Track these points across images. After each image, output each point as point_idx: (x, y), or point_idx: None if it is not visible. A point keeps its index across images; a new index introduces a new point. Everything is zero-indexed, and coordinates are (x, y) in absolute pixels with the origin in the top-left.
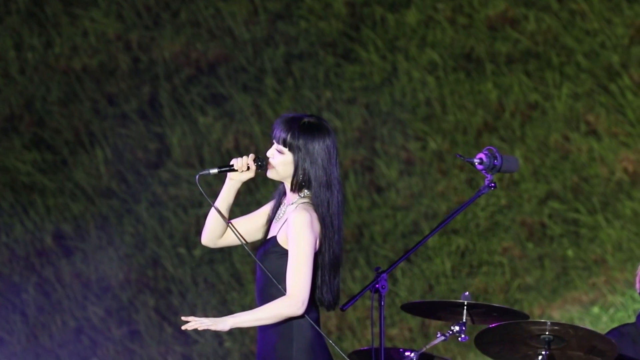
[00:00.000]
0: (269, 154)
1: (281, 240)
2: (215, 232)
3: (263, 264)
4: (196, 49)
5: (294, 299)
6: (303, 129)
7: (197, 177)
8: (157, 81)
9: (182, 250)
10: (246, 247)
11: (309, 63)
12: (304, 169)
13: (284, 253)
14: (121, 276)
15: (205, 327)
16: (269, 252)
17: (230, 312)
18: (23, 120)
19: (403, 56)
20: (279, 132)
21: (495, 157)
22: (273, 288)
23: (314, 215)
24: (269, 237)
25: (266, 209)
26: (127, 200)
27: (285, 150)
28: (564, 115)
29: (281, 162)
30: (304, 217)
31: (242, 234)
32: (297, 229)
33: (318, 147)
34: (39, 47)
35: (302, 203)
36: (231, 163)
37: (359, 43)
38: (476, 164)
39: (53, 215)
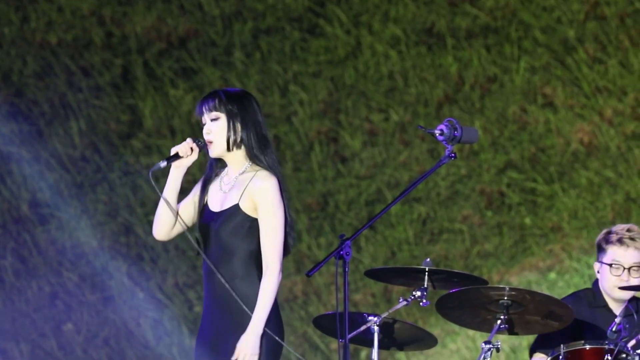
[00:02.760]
0: (204, 132)
1: (245, 207)
2: (168, 224)
3: (219, 234)
4: (167, 24)
5: (275, 271)
6: (227, 93)
7: (150, 173)
8: (129, 55)
9: (153, 217)
10: (189, 235)
11: (276, 37)
12: (240, 126)
13: (249, 220)
14: (95, 243)
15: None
16: (228, 220)
17: (200, 277)
18: (0, 93)
19: (367, 31)
20: (207, 103)
21: (456, 129)
22: (235, 262)
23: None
24: (222, 208)
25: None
26: (100, 170)
27: (219, 114)
28: (522, 88)
29: (219, 130)
30: (275, 185)
31: (189, 219)
32: (271, 198)
33: (247, 104)
34: (16, 22)
35: (260, 170)
36: (174, 152)
37: (324, 18)
38: (437, 135)
39: (29, 183)
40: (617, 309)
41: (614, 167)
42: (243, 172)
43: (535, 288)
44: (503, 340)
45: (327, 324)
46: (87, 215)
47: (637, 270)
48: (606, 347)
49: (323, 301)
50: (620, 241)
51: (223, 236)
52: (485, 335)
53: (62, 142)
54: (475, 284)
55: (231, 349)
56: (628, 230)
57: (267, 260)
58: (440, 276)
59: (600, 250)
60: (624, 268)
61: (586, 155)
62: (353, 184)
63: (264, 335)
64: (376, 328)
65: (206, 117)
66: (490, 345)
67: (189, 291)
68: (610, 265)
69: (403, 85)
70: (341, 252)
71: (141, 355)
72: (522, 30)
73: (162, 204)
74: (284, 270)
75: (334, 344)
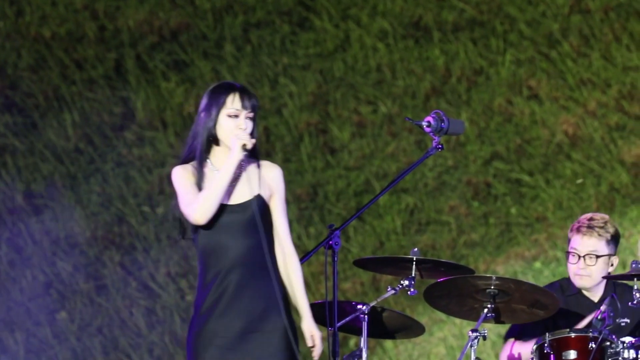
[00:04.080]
0: (242, 126)
1: (265, 197)
2: (215, 208)
3: (248, 224)
4: (159, 17)
5: (295, 252)
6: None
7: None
8: (122, 48)
9: (146, 208)
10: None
11: (266, 31)
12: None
13: (268, 208)
14: (88, 233)
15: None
16: (261, 211)
17: (192, 267)
18: None
19: (355, 24)
20: (250, 101)
21: (443, 120)
22: (264, 250)
23: None
24: (240, 200)
25: (193, 179)
26: (94, 161)
27: (254, 115)
28: (507, 81)
29: (251, 129)
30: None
31: None
32: (283, 184)
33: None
34: (10, 15)
35: (263, 160)
36: (247, 145)
37: (313, 12)
38: (424, 126)
39: (24, 175)
40: (592, 295)
41: (598, 159)
42: (252, 164)
43: (521, 277)
44: (489, 328)
45: (316, 313)
46: (80, 205)
47: (592, 258)
48: (590, 335)
49: (312, 291)
50: (578, 230)
51: (252, 226)
52: (472, 324)
53: (56, 134)
54: (462, 274)
55: (278, 327)
56: (590, 219)
57: (288, 244)
58: (427, 265)
59: (569, 238)
60: (579, 256)
61: (570, 146)
62: (342, 174)
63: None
64: (365, 317)
65: (244, 113)
66: (477, 334)
67: (181, 280)
68: (568, 252)
69: (391, 78)
70: (330, 242)
71: (134, 344)
72: (508, 24)
73: (217, 190)
74: None
75: (324, 333)
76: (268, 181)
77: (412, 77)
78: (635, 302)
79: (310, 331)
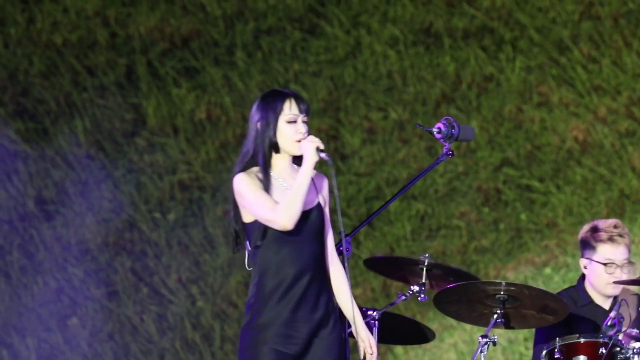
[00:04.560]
0: (303, 130)
1: (323, 205)
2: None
3: (315, 232)
4: (170, 24)
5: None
6: None
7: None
8: (133, 55)
9: (157, 214)
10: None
11: (277, 37)
12: None
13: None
14: (99, 239)
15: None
16: (318, 218)
17: (203, 273)
18: (7, 92)
19: (366, 31)
20: (305, 106)
21: (453, 127)
22: (325, 257)
23: None
24: (310, 206)
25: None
26: (105, 167)
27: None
28: (518, 87)
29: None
30: None
31: None
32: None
33: None
34: (22, 22)
35: (316, 170)
36: (320, 146)
37: (324, 19)
38: (435, 133)
39: (35, 181)
40: (603, 303)
41: (608, 165)
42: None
43: (531, 283)
44: (499, 334)
45: None
46: (92, 212)
47: (627, 265)
48: (601, 340)
49: None
50: (611, 239)
51: (319, 234)
52: (482, 329)
53: (67, 140)
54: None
55: (337, 335)
56: (615, 226)
57: (336, 254)
58: (437, 272)
59: (588, 247)
60: (617, 265)
61: (580, 152)
62: (352, 181)
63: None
64: (376, 322)
65: (300, 117)
66: (487, 339)
67: (192, 286)
68: (605, 264)
69: (401, 85)
70: (341, 248)
71: (145, 350)
72: (518, 30)
73: (301, 193)
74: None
75: None
76: (320, 190)
77: (423, 84)
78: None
79: (368, 337)
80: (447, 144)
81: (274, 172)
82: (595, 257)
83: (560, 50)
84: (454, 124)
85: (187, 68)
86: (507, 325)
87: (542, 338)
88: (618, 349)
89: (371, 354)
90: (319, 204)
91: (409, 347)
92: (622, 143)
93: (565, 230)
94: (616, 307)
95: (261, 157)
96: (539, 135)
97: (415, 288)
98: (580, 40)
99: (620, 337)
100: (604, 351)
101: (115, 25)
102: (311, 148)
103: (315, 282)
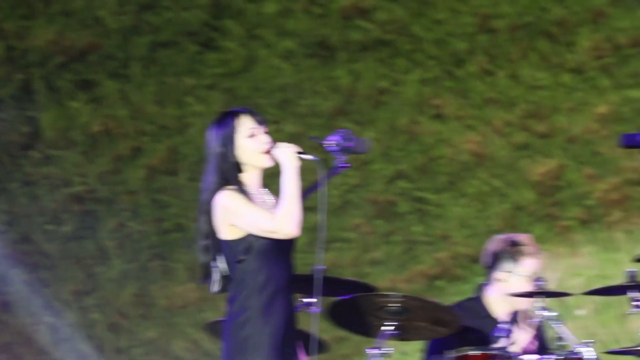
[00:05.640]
0: (267, 140)
1: None
2: None
3: (291, 249)
4: (67, 37)
5: None
6: None
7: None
8: (30, 68)
9: (51, 226)
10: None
11: (173, 51)
12: None
13: None
14: None
15: None
16: None
17: (96, 285)
18: None
19: (261, 44)
20: (259, 117)
21: (348, 139)
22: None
23: None
24: None
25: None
26: (1, 180)
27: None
28: (413, 100)
29: None
30: None
31: None
32: None
33: None
34: None
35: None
36: (298, 149)
37: (220, 32)
38: (330, 145)
39: None
40: (502, 316)
41: (503, 177)
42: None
43: (423, 295)
44: (394, 345)
45: (220, 330)
46: None
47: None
48: (491, 352)
49: (218, 307)
50: (535, 254)
51: (291, 248)
52: (376, 341)
53: None
54: (365, 291)
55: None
56: (529, 239)
57: None
58: (330, 283)
59: (507, 260)
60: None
61: (475, 165)
62: None
63: None
64: None
65: (262, 129)
66: (379, 351)
67: (86, 298)
68: (529, 277)
69: (296, 97)
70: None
71: None
72: (414, 43)
73: (297, 198)
74: (181, 277)
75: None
76: None
77: (317, 97)
78: (536, 319)
79: None
80: (342, 157)
81: (248, 189)
82: (519, 270)
83: (456, 63)
84: (349, 136)
85: (84, 81)
86: (401, 337)
87: (435, 349)
88: None
89: None
90: None
91: None
92: (517, 155)
93: (459, 242)
94: (510, 319)
95: (233, 178)
96: (433, 147)
97: (307, 300)
98: (476, 52)
99: (512, 349)
100: None
101: (13, 39)
102: (288, 154)
103: (292, 294)
